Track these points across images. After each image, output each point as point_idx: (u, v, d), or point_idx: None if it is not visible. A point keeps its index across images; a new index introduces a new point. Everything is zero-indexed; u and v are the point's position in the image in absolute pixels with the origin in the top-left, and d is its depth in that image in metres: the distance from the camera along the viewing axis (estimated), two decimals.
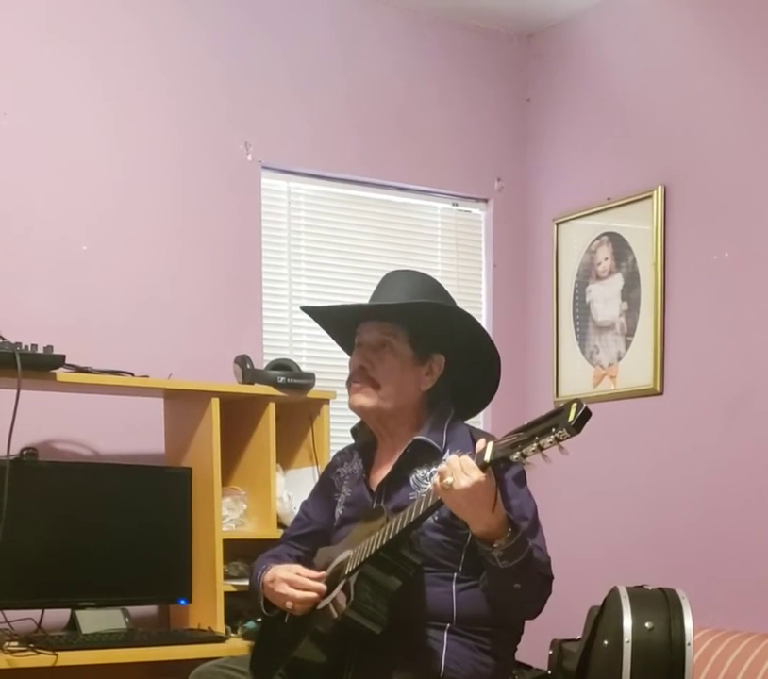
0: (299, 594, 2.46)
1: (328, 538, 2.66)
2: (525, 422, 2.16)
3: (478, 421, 4.18)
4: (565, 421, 2.05)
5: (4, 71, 3.40)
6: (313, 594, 2.45)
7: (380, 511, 2.45)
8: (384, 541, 2.33)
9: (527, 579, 2.33)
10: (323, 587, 2.46)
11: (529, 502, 2.50)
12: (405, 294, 2.57)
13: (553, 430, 2.07)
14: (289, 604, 2.48)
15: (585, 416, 2.04)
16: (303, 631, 2.46)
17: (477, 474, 2.20)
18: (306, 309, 2.77)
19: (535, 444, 2.09)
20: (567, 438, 2.06)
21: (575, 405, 2.06)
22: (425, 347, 2.58)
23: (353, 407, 2.63)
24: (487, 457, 2.20)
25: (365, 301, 2.70)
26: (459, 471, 2.21)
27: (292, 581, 2.49)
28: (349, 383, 2.60)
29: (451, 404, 2.65)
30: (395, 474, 2.57)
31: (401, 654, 2.41)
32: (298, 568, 2.54)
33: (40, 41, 3.45)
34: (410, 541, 2.38)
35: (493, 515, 2.25)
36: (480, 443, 2.26)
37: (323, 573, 2.50)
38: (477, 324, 2.65)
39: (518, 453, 2.13)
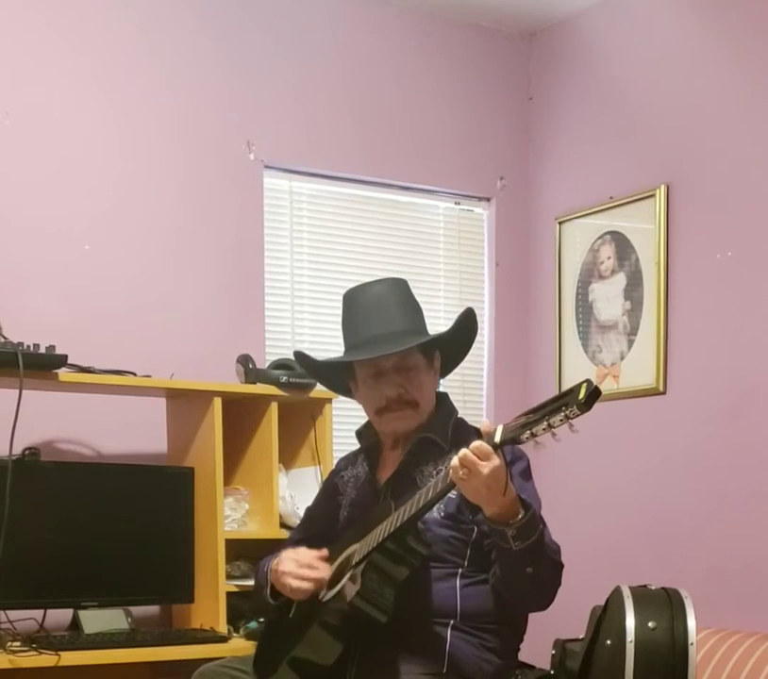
0: (299, 570, 2.46)
1: (333, 541, 2.66)
2: (536, 404, 2.16)
3: (481, 420, 4.17)
4: (576, 398, 2.06)
5: (5, 71, 3.41)
6: (316, 573, 2.45)
7: (387, 506, 2.44)
8: (391, 529, 2.33)
9: (540, 563, 2.32)
10: (323, 564, 2.47)
11: (536, 496, 2.50)
12: (400, 309, 2.57)
13: (563, 408, 2.07)
14: (289, 581, 2.47)
15: (595, 394, 2.05)
16: (309, 621, 2.46)
17: (497, 459, 2.20)
18: (302, 360, 2.75)
19: (545, 422, 2.10)
20: (577, 415, 2.06)
21: (585, 384, 2.07)
22: (431, 351, 2.61)
23: (396, 433, 2.62)
24: (497, 438, 2.20)
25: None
26: (476, 460, 2.20)
27: (297, 559, 2.49)
28: (384, 411, 2.58)
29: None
30: (401, 473, 2.58)
31: (405, 649, 2.42)
32: (304, 549, 2.55)
33: (41, 40, 3.45)
34: (417, 531, 2.39)
35: (506, 496, 2.25)
36: (485, 425, 2.26)
37: (325, 552, 2.51)
38: (470, 311, 2.65)
39: (528, 432, 2.13)
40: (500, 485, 2.22)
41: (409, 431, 2.60)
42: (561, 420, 2.08)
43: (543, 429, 2.10)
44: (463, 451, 2.22)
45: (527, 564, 2.31)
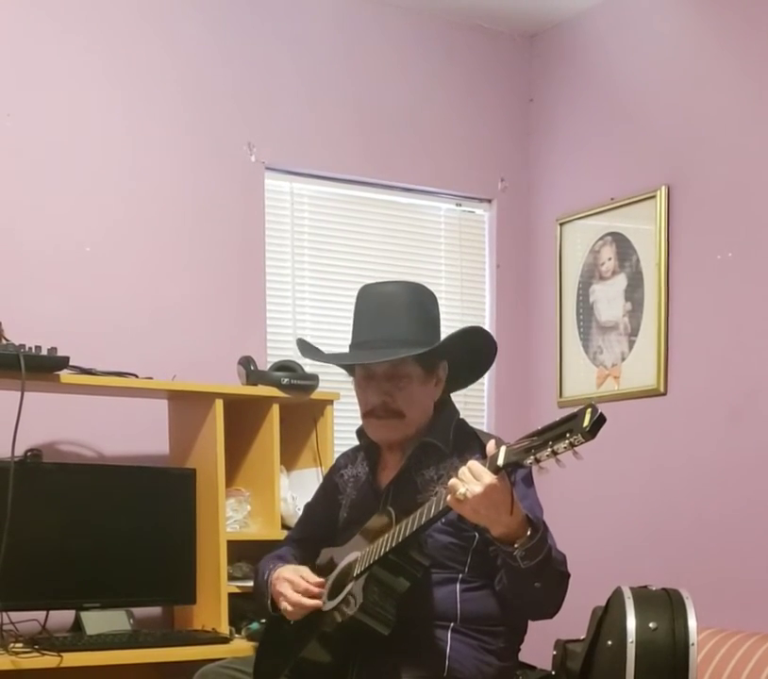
0: (295, 597, 2.48)
1: (332, 539, 2.67)
2: (539, 427, 2.14)
3: (482, 421, 4.18)
4: (580, 426, 2.03)
5: (8, 71, 3.41)
6: (309, 602, 2.47)
7: (388, 513, 2.44)
8: (394, 543, 2.33)
9: (547, 577, 2.33)
10: (318, 591, 2.47)
11: (537, 502, 2.50)
12: (405, 317, 2.54)
13: (567, 435, 2.05)
14: (284, 605, 2.50)
15: (600, 421, 2.03)
16: (309, 632, 2.47)
17: (489, 478, 2.18)
18: (318, 360, 2.74)
19: (549, 449, 2.08)
20: (582, 443, 2.04)
21: (589, 410, 2.04)
22: (432, 362, 2.58)
23: (378, 440, 2.62)
24: (500, 461, 2.18)
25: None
26: (470, 478, 2.20)
27: (294, 582, 2.50)
28: (369, 415, 2.58)
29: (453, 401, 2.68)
30: (402, 476, 2.58)
31: (405, 653, 2.42)
32: (305, 570, 2.55)
33: (43, 41, 3.46)
34: (419, 543, 2.38)
35: (513, 516, 2.24)
36: (490, 447, 2.24)
37: (323, 580, 2.51)
38: (482, 332, 2.65)
39: (532, 457, 2.12)
40: (497, 504, 2.21)
41: (392, 441, 2.60)
42: (565, 447, 2.06)
43: (547, 455, 2.09)
44: (461, 470, 2.21)
45: (535, 580, 2.31)
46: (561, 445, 2.06)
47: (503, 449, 2.20)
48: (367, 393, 2.57)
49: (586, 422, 2.03)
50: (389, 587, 2.35)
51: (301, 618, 2.50)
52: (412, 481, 2.56)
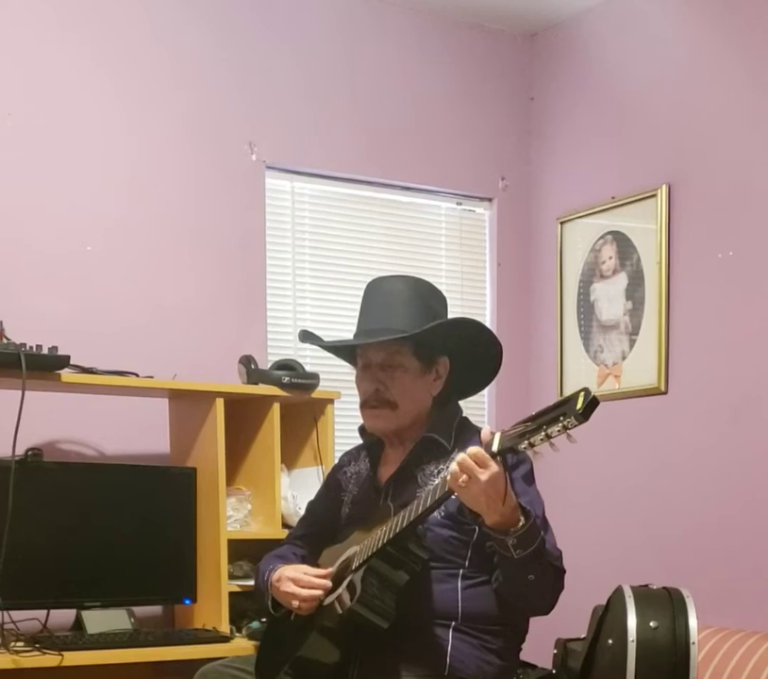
0: (304, 592, 2.48)
1: (334, 537, 2.67)
2: (533, 412, 2.16)
3: (483, 420, 4.19)
4: (573, 409, 2.06)
5: (9, 71, 3.41)
6: (318, 592, 2.47)
7: (387, 508, 2.46)
8: (391, 535, 2.34)
9: (541, 570, 2.34)
10: (328, 584, 2.47)
11: (538, 499, 2.51)
12: (403, 309, 2.56)
13: (561, 418, 2.07)
14: (294, 603, 2.50)
15: (593, 404, 2.05)
16: (309, 628, 2.47)
17: (495, 466, 2.20)
18: (318, 344, 2.77)
19: (543, 433, 2.10)
20: (575, 425, 2.07)
21: (582, 393, 2.07)
22: (430, 355, 2.59)
23: (372, 430, 2.65)
24: (495, 448, 2.20)
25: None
26: (475, 466, 2.21)
27: (298, 579, 2.50)
28: (364, 406, 2.60)
29: (455, 393, 2.68)
30: (403, 471, 2.59)
31: (406, 652, 2.42)
32: (305, 567, 2.56)
33: (46, 40, 3.46)
34: (417, 536, 2.39)
35: (505, 505, 2.26)
36: (485, 433, 2.26)
37: (329, 571, 2.51)
38: (476, 323, 2.66)
39: (526, 442, 2.13)
40: (498, 492, 2.22)
41: (386, 432, 2.62)
42: (559, 430, 2.08)
43: (541, 439, 2.10)
44: (461, 455, 2.22)
45: (529, 571, 2.33)
46: (555, 428, 2.08)
47: (497, 435, 2.22)
48: (363, 383, 2.61)
49: (579, 405, 2.05)
50: (388, 579, 2.35)
51: (308, 612, 2.50)
52: (413, 476, 2.57)
